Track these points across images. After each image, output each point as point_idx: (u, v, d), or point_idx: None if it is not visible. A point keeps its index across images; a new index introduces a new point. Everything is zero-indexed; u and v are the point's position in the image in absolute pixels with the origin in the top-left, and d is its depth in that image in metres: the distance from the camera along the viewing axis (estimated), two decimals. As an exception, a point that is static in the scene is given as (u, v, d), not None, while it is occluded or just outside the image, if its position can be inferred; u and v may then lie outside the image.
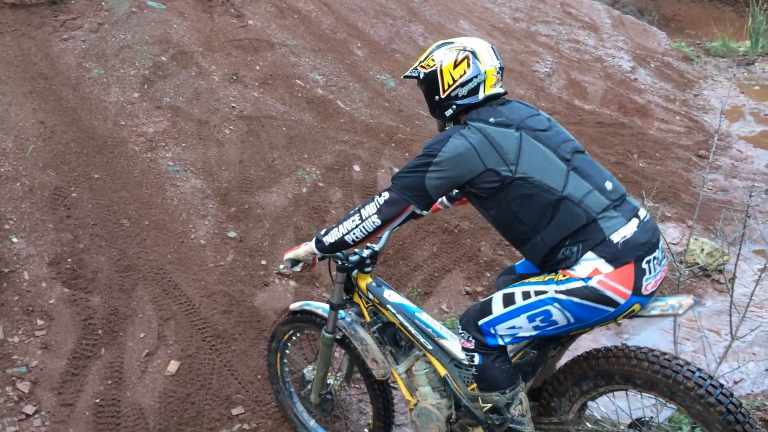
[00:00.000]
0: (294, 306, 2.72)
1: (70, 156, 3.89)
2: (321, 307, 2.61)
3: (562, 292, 1.94)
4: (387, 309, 2.38)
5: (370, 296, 2.41)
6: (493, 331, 2.09)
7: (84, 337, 3.01)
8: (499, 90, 2.18)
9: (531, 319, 2.02)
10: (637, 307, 1.94)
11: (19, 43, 4.49)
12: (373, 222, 2.05)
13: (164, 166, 4.14)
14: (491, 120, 2.04)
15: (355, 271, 2.43)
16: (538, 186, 1.96)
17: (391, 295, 2.40)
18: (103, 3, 5.09)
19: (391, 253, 4.05)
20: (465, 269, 4.01)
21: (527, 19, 9.45)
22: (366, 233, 2.08)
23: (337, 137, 4.91)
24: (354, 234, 2.10)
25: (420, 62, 2.25)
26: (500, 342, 2.10)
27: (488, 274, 3.94)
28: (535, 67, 7.54)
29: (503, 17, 9.81)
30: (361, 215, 2.07)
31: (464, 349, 2.18)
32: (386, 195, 2.04)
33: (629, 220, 1.96)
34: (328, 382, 2.68)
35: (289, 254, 2.38)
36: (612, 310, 1.92)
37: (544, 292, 1.99)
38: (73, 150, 3.92)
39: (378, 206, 2.04)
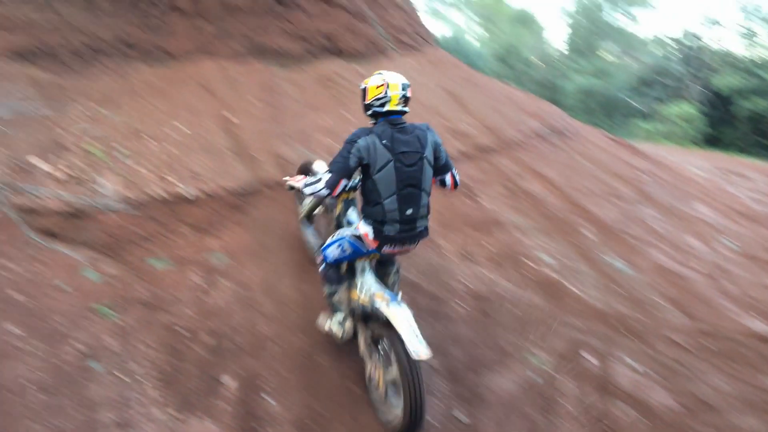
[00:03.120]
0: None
1: (319, 322, 4.25)
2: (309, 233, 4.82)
3: (350, 235, 3.66)
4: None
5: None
6: (324, 254, 3.81)
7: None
8: (399, 108, 3.52)
9: (337, 246, 3.72)
10: (376, 255, 3.71)
11: (285, 217, 5.18)
12: (324, 192, 3.38)
13: (399, 338, 4.32)
14: (384, 141, 3.37)
15: None
16: (377, 191, 3.41)
17: (351, 214, 4.10)
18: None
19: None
20: None
21: (772, 202, 8.77)
22: (320, 196, 3.45)
23: (566, 321, 4.78)
24: (316, 195, 3.43)
25: (365, 80, 3.64)
26: (329, 259, 3.79)
27: None
28: (789, 256, 6.83)
29: (742, 199, 9.23)
30: (316, 187, 3.38)
31: (318, 263, 3.91)
32: (328, 176, 3.36)
33: (400, 228, 3.48)
34: (314, 213, 4.72)
35: (291, 182, 3.80)
36: (366, 250, 3.61)
37: (345, 234, 3.70)
38: (323, 317, 4.28)
39: (324, 183, 3.35)
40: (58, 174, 4.61)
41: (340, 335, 3.92)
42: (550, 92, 26.79)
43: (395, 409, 3.49)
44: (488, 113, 8.13)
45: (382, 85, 3.49)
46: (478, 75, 10.13)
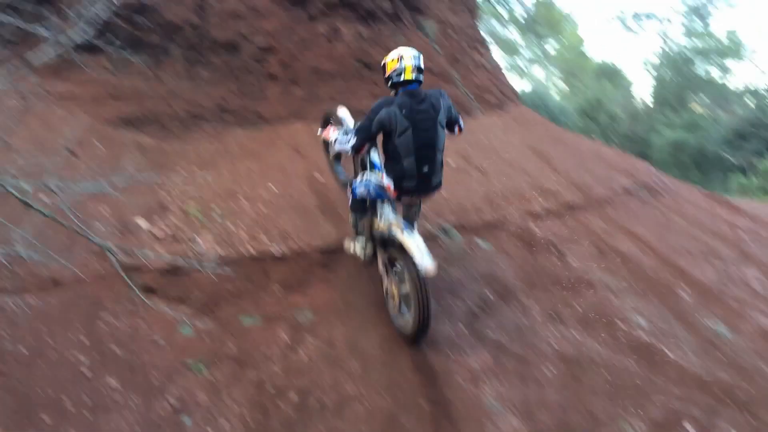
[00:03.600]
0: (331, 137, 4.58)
1: (403, 382, 4.21)
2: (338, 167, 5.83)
3: (375, 184, 4.34)
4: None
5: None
6: (354, 190, 4.50)
7: None
8: (413, 77, 4.10)
9: (364, 187, 4.39)
10: (394, 200, 4.39)
11: (369, 274, 5.23)
12: (348, 150, 4.17)
13: (486, 401, 4.21)
14: (403, 111, 3.97)
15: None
16: (398, 152, 4.05)
17: (373, 155, 4.75)
18: (440, 243, 5.75)
19: None
20: None
21: None
22: (345, 152, 4.24)
23: (664, 388, 4.52)
24: (341, 150, 4.25)
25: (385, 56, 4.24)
26: (356, 195, 4.49)
27: None
28: None
29: None
30: (345, 147, 4.18)
31: (348, 196, 4.62)
32: (354, 140, 4.11)
33: (417, 183, 4.14)
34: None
35: (324, 137, 4.74)
36: (387, 195, 4.29)
37: (372, 181, 4.37)
38: (407, 377, 4.25)
39: (351, 144, 4.14)
40: (159, 233, 4.90)
41: (362, 256, 4.81)
42: (638, 146, 26.07)
43: (407, 317, 4.30)
44: (575, 170, 8.01)
45: (398, 58, 4.11)
46: (563, 132, 10.05)
